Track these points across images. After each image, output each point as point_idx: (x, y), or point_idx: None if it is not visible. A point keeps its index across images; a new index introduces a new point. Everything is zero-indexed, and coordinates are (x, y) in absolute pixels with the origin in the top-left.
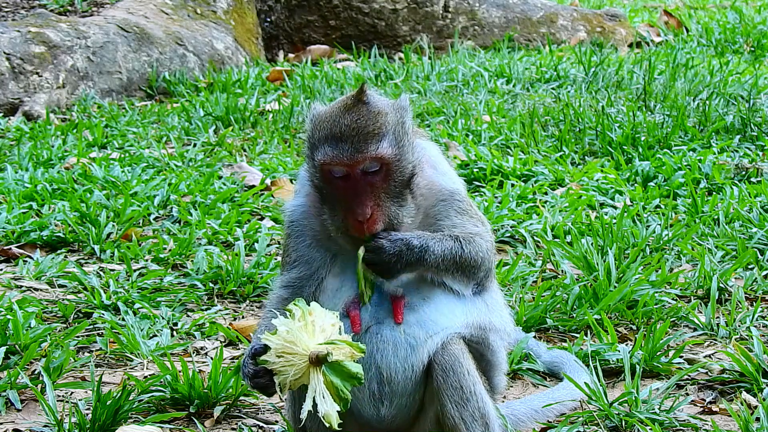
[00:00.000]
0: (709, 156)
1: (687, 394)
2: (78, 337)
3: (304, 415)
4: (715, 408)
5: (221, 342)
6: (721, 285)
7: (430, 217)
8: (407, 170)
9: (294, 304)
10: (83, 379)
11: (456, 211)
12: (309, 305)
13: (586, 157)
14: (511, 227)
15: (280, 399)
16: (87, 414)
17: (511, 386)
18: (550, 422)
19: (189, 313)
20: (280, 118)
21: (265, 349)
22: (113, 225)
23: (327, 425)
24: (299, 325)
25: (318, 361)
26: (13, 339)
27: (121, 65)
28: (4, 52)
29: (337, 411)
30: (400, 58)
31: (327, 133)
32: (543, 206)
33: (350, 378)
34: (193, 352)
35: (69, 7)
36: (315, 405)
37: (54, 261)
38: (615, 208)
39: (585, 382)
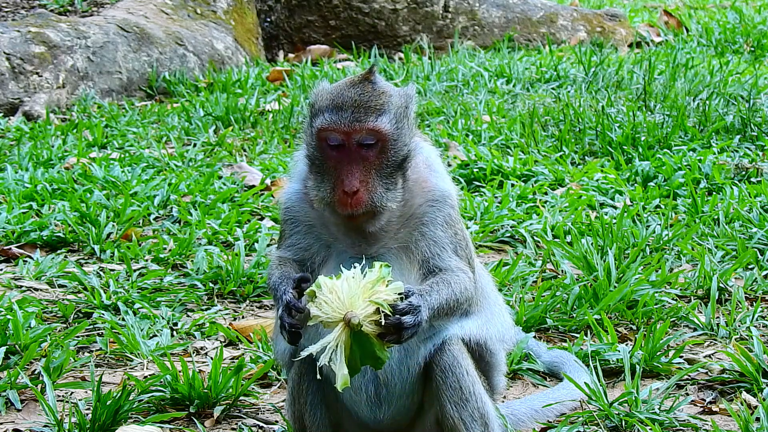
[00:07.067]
0: (709, 156)
1: (687, 394)
2: (78, 337)
3: (321, 363)
4: (715, 408)
5: (221, 342)
6: (721, 285)
7: (416, 217)
8: (402, 152)
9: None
10: (83, 379)
11: (444, 220)
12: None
13: (586, 157)
14: (511, 227)
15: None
16: (87, 414)
17: (511, 386)
18: (550, 422)
19: (189, 313)
20: (280, 118)
21: (300, 290)
22: (113, 225)
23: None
24: (354, 274)
25: (349, 323)
26: (13, 339)
27: (121, 65)
28: (4, 52)
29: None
30: (400, 58)
31: (329, 103)
32: (543, 206)
33: (371, 357)
34: (193, 352)
35: (69, 7)
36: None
37: (54, 261)
38: (615, 208)
39: (585, 382)
